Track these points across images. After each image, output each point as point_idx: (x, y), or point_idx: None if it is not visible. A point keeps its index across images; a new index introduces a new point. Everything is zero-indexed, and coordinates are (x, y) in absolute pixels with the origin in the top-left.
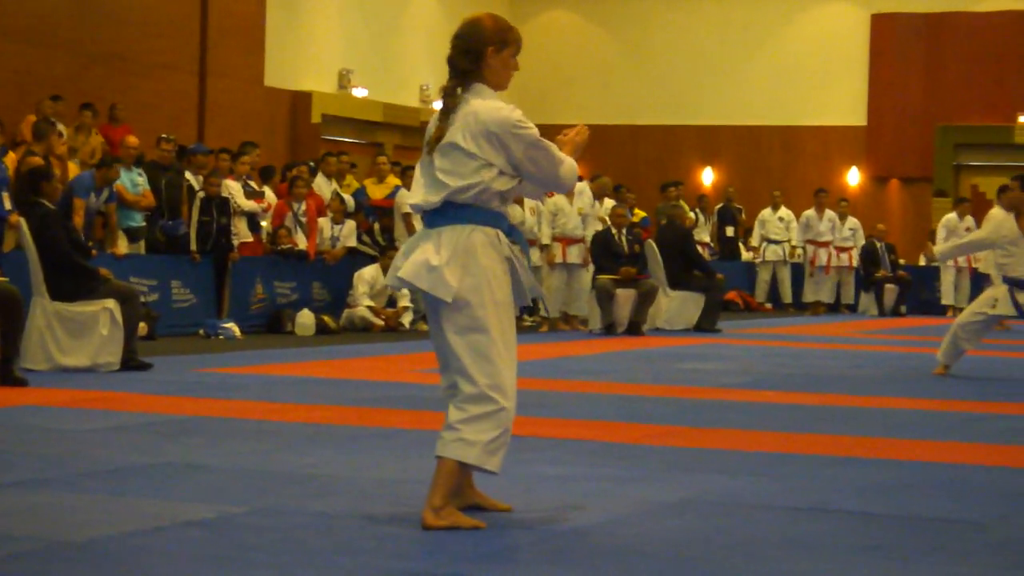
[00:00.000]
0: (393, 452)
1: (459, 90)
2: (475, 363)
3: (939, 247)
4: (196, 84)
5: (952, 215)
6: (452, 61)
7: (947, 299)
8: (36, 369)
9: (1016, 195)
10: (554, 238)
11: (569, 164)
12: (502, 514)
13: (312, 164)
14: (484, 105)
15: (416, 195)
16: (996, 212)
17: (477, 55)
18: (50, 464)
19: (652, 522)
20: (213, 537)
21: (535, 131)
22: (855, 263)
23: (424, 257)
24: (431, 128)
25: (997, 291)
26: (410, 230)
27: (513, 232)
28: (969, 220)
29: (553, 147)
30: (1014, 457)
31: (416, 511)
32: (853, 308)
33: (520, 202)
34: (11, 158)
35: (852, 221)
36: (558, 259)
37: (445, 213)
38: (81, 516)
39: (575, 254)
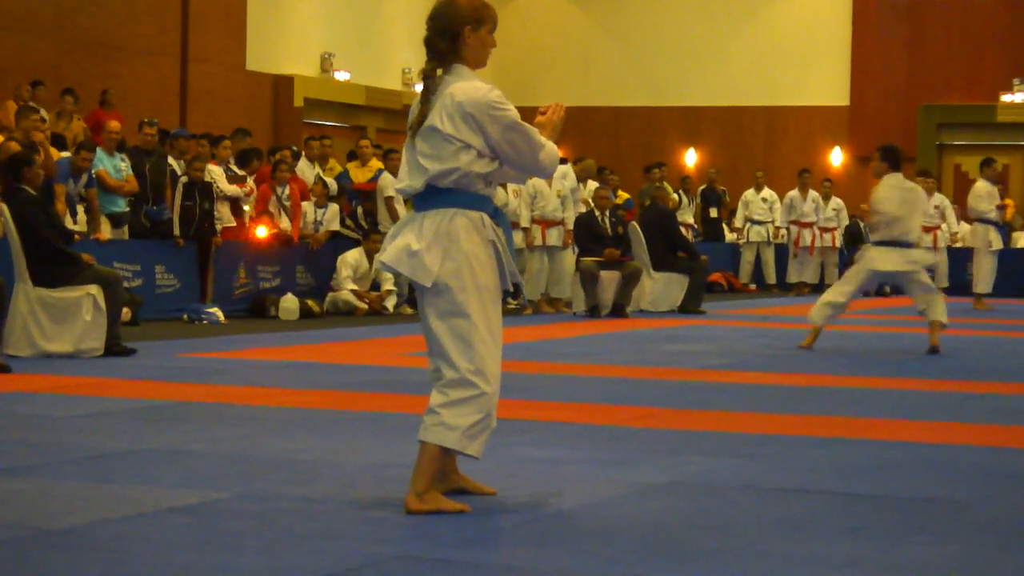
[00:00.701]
0: (378, 436)
1: (438, 71)
2: (456, 347)
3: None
4: (178, 69)
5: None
6: (429, 43)
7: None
8: (19, 355)
9: (876, 164)
10: (533, 220)
11: (549, 148)
12: (487, 498)
13: (295, 148)
14: (461, 86)
15: (401, 180)
16: (979, 185)
17: (454, 35)
18: (33, 451)
19: (636, 504)
20: (197, 523)
21: (514, 113)
22: (839, 243)
23: (406, 242)
24: (413, 111)
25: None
26: (392, 214)
27: (498, 215)
28: (938, 198)
29: (533, 130)
30: (999, 437)
31: (401, 495)
32: None
33: (503, 184)
34: None
35: (836, 201)
36: (537, 241)
37: (429, 197)
38: (64, 503)
39: (555, 236)
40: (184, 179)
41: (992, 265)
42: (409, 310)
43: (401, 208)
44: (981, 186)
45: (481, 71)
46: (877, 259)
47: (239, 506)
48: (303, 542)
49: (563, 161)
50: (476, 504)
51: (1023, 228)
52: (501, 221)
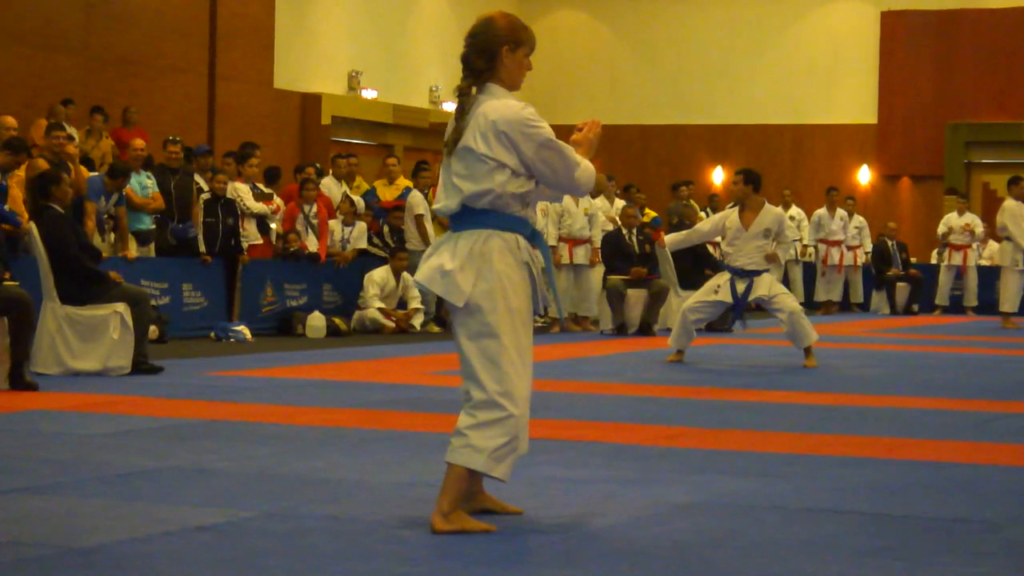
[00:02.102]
0: (404, 455)
1: (473, 90)
2: (485, 369)
3: (668, 236)
4: (206, 87)
5: (952, 213)
6: (466, 60)
7: (940, 299)
8: (47, 373)
9: (739, 188)
10: (560, 239)
11: (585, 167)
12: (513, 517)
13: (318, 166)
14: (494, 104)
15: (438, 200)
16: (1008, 203)
17: (491, 54)
18: (60, 469)
19: (663, 524)
20: (223, 542)
21: (548, 130)
22: (859, 261)
23: (440, 261)
24: (448, 129)
25: (720, 279)
26: (422, 232)
27: (536, 238)
28: (969, 216)
29: (568, 148)
30: None
31: (428, 515)
32: (862, 306)
33: None
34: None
35: (858, 219)
36: (564, 260)
37: (464, 218)
38: (90, 521)
39: (582, 255)
40: (206, 195)
41: (1019, 284)
42: (436, 328)
43: (430, 227)
44: (1010, 204)
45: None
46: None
47: (265, 525)
48: (329, 562)
49: None
50: (502, 524)
51: None
52: (539, 243)
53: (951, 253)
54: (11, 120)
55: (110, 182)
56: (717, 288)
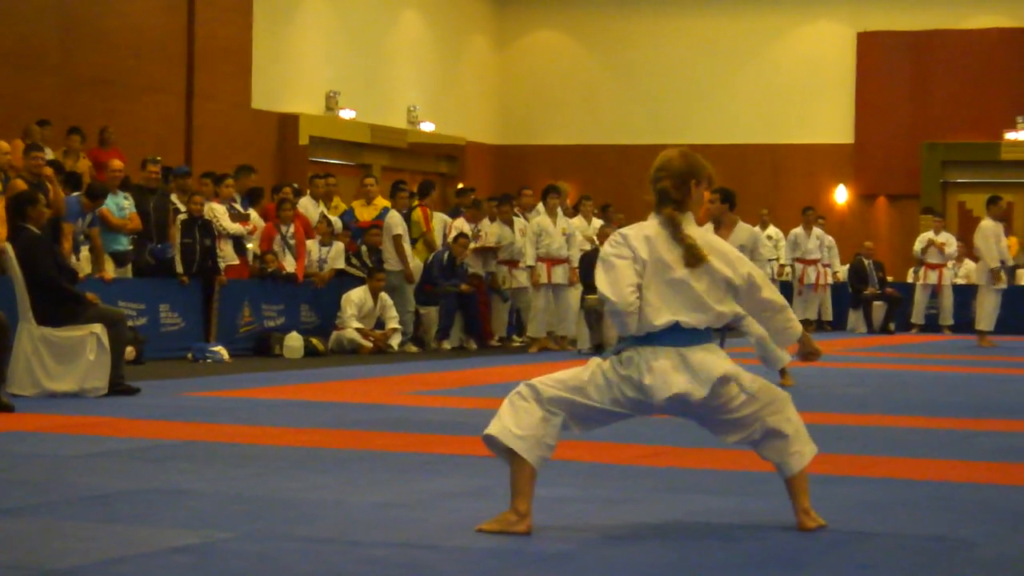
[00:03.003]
0: (381, 476)
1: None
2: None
3: None
4: (183, 107)
5: (928, 232)
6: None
7: (915, 318)
8: (23, 395)
9: (715, 207)
10: (539, 259)
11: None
12: (489, 536)
13: (295, 186)
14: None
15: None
16: (985, 223)
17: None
18: (35, 490)
19: (639, 543)
20: (200, 563)
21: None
22: (830, 280)
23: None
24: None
25: None
26: (400, 252)
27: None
28: (944, 235)
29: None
30: (1005, 474)
31: (404, 536)
32: (834, 325)
33: (510, 223)
34: None
35: (827, 239)
36: (543, 279)
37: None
38: (66, 543)
39: (560, 274)
40: (183, 216)
41: (995, 303)
42: (414, 349)
43: (407, 247)
44: (986, 224)
45: (486, 108)
46: None
47: (242, 546)
48: None
49: (563, 198)
50: (484, 543)
51: None
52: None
53: (926, 272)
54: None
55: (88, 203)
56: None
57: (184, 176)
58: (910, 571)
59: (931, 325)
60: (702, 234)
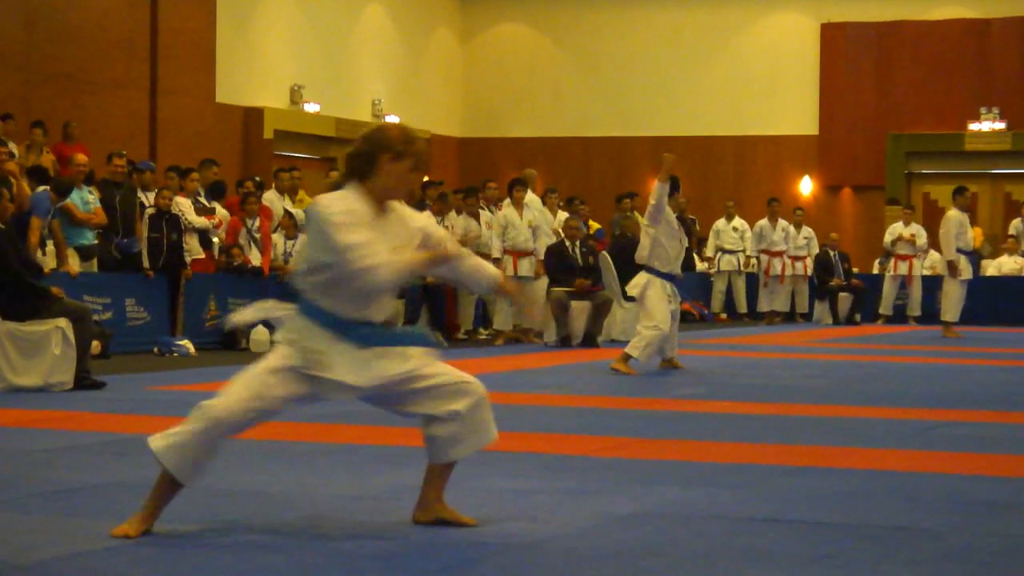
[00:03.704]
0: (348, 468)
1: None
2: None
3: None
4: (147, 102)
5: (898, 223)
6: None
7: (884, 309)
8: None
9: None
10: (505, 251)
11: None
12: (457, 528)
13: (258, 179)
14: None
15: None
16: (951, 213)
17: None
18: (0, 484)
19: (607, 534)
20: (166, 556)
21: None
22: (809, 272)
23: None
24: None
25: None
26: None
27: None
28: (914, 227)
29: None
30: (969, 465)
31: (372, 527)
32: (808, 317)
33: (476, 216)
34: None
35: (806, 230)
36: (509, 272)
37: None
38: (31, 538)
39: (526, 267)
40: (151, 210)
41: (961, 294)
42: None
43: None
44: (952, 214)
45: (452, 101)
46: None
47: (208, 539)
48: (272, 575)
49: (530, 190)
50: (450, 535)
51: (991, 256)
52: None
53: (896, 263)
54: None
55: (55, 197)
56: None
57: (147, 171)
58: (874, 562)
59: (898, 316)
60: None
